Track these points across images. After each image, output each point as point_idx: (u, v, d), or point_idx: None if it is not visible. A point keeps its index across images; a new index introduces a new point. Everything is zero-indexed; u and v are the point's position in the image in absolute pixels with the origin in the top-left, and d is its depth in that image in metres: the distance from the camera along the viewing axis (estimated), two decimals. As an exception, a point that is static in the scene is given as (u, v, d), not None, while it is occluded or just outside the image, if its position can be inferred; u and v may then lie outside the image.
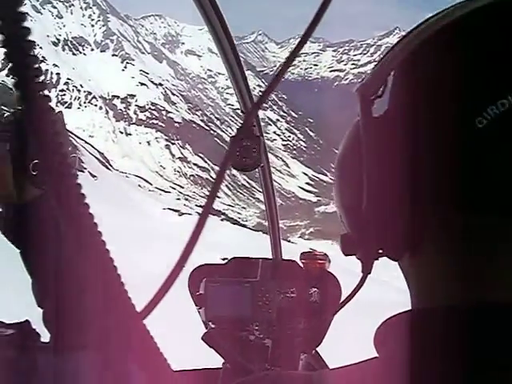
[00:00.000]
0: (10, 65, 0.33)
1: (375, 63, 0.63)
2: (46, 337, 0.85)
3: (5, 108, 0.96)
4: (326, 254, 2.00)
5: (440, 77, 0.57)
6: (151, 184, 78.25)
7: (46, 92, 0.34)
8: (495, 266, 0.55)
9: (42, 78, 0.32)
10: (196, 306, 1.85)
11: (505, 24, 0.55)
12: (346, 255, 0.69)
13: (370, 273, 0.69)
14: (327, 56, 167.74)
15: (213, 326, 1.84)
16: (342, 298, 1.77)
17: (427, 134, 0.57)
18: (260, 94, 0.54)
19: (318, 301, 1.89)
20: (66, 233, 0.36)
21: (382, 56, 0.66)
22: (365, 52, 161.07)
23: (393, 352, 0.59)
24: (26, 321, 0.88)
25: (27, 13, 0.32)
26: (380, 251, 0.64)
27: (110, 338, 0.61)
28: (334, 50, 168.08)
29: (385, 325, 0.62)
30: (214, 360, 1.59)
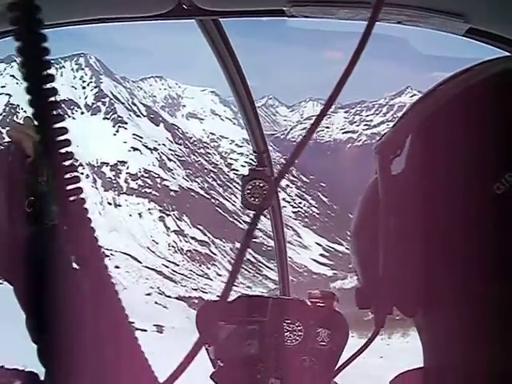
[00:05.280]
0: (36, 118, 0.40)
1: (388, 123, 1.26)
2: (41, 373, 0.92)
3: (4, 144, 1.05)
4: (333, 293, 2.18)
5: (457, 142, 0.62)
6: (140, 262, 72.11)
7: (68, 147, 0.42)
8: (509, 333, 0.58)
9: (65, 131, 0.41)
10: (204, 344, 2.00)
11: None
12: (360, 309, 0.75)
13: (383, 326, 0.75)
14: (339, 118, 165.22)
15: (221, 364, 2.06)
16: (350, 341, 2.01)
17: (444, 196, 0.62)
18: (282, 163, 0.53)
19: (325, 340, 2.10)
20: (70, 267, 0.43)
21: (400, 116, 0.73)
22: (377, 112, 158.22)
23: None
24: (36, 374, 0.97)
25: (53, 75, 0.40)
26: (394, 307, 0.70)
27: (107, 372, 0.63)
28: (345, 112, 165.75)
29: (397, 380, 0.70)
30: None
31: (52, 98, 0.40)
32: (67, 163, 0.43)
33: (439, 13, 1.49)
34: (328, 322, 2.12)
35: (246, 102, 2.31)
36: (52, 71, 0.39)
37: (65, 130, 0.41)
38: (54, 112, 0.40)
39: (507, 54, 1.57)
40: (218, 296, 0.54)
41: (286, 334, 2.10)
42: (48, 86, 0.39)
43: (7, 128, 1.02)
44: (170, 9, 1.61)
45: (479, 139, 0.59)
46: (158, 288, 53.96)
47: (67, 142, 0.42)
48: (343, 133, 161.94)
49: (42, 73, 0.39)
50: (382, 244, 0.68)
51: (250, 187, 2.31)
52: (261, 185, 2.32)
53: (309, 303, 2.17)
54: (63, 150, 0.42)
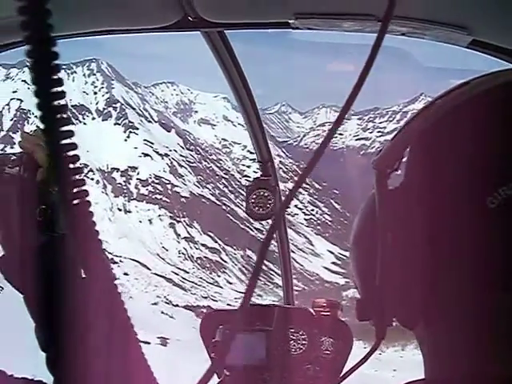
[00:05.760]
0: (45, 133, 0.42)
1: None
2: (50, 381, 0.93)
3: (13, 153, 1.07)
4: (338, 302, 2.26)
5: (453, 155, 0.62)
6: (150, 269, 71.89)
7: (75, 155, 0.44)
8: (508, 342, 0.58)
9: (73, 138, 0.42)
10: (210, 353, 2.11)
11: None
12: (361, 320, 0.76)
13: (383, 338, 0.75)
14: (352, 124, 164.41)
15: (227, 373, 2.07)
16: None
17: (440, 209, 0.63)
18: (296, 175, 0.57)
19: (329, 349, 2.14)
20: (79, 277, 0.46)
21: (398, 130, 0.74)
22: (391, 119, 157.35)
23: None
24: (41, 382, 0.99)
25: (64, 91, 0.42)
26: (394, 319, 0.71)
27: (114, 381, 0.63)
28: (359, 119, 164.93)
29: None
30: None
31: (62, 115, 0.41)
32: (75, 178, 0.43)
33: (442, 25, 1.53)
34: (332, 330, 2.18)
35: (251, 111, 2.40)
36: (63, 88, 0.41)
37: (74, 146, 0.42)
38: (64, 128, 0.41)
39: (510, 65, 1.59)
40: (239, 306, 0.56)
41: (290, 342, 2.13)
42: (58, 102, 0.41)
43: (19, 135, 1.08)
44: (175, 21, 1.64)
45: (476, 152, 0.59)
46: (165, 297, 53.54)
47: (75, 158, 0.43)
48: (356, 140, 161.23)
49: (53, 89, 0.40)
50: (380, 257, 0.68)
51: (254, 197, 2.36)
52: (265, 194, 2.33)
53: (313, 312, 2.23)
54: (71, 165, 0.43)
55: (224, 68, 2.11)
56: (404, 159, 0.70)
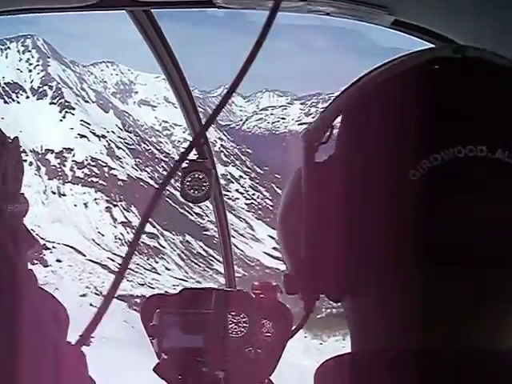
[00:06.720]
0: None
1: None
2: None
3: None
4: (277, 285, 2.22)
5: (377, 128, 0.65)
6: (84, 255, 70.18)
7: None
8: (432, 314, 0.61)
9: None
10: (149, 336, 2.10)
11: (444, 81, 0.64)
12: (289, 294, 0.79)
13: (312, 311, 0.78)
14: (295, 109, 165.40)
15: (165, 356, 2.07)
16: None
17: (363, 183, 0.65)
18: (221, 145, 0.57)
19: (269, 331, 2.14)
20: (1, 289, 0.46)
21: (327, 105, 0.76)
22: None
23: None
24: None
25: None
26: (321, 292, 0.74)
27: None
28: (301, 103, 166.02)
29: (324, 366, 0.73)
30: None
31: None
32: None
33: (365, 5, 1.59)
34: (272, 313, 2.17)
35: (184, 93, 2.38)
36: None
37: None
38: None
39: (431, 45, 1.55)
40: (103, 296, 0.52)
41: (230, 325, 2.12)
42: None
43: None
44: None
45: (398, 127, 0.62)
46: (95, 287, 51.95)
47: None
48: (299, 124, 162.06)
49: None
50: (305, 231, 0.69)
51: (189, 179, 2.43)
52: (200, 177, 2.41)
53: (253, 295, 2.22)
54: None
55: (152, 48, 2.07)
56: (333, 132, 0.71)
